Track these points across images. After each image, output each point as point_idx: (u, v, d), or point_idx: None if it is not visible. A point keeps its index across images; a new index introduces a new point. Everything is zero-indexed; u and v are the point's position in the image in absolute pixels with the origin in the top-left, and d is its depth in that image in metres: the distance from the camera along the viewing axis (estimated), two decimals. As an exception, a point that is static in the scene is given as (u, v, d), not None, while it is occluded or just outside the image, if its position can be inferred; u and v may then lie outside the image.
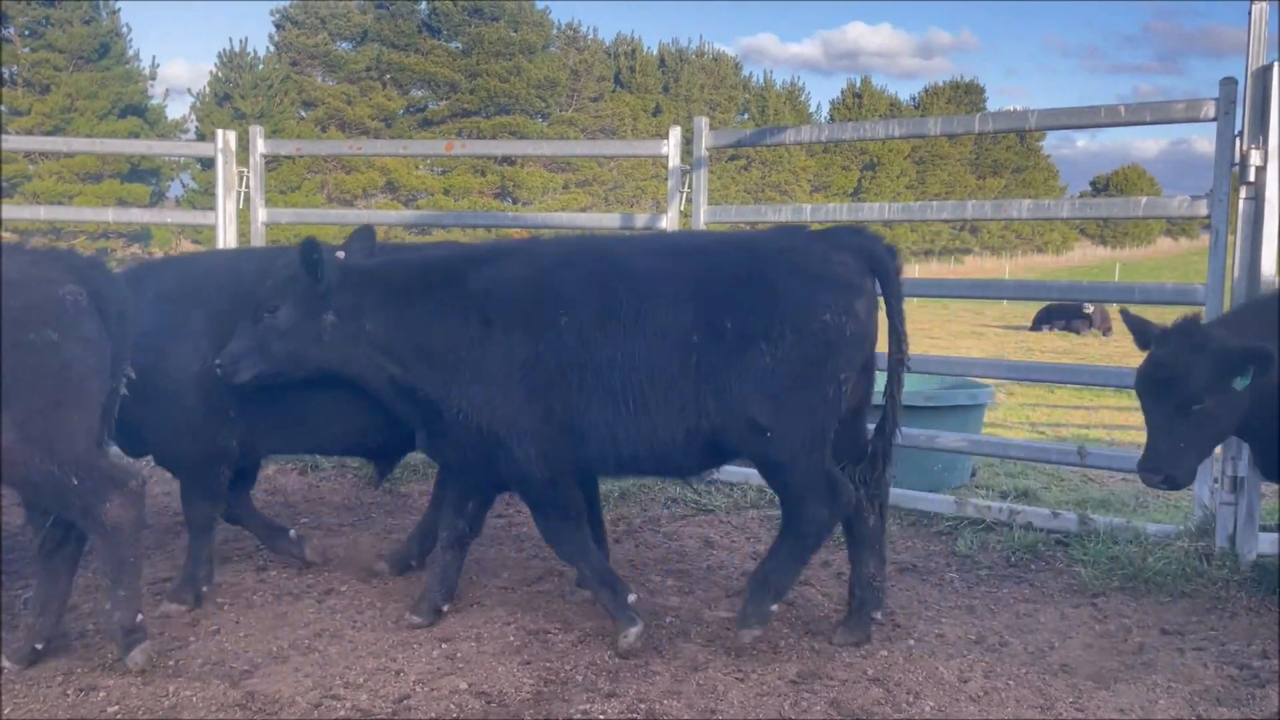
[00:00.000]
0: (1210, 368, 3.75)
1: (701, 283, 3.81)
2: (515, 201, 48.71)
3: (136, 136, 39.25)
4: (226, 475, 4.44)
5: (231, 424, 4.31)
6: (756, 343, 3.68)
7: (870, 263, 3.87)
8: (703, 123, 6.41)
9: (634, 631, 3.88)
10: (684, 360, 3.72)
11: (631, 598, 3.99)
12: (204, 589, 4.34)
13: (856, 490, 3.92)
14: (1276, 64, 4.67)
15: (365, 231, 4.38)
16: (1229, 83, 4.84)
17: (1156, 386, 3.89)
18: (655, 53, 58.89)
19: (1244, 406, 3.83)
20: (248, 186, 6.99)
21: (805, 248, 3.91)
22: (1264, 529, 4.85)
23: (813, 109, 63.80)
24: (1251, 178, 4.74)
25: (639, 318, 3.77)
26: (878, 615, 4.11)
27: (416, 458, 6.73)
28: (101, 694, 3.49)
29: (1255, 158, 4.72)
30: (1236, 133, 4.81)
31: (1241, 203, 4.80)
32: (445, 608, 4.20)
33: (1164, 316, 4.09)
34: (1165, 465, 3.85)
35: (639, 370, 3.74)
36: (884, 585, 4.20)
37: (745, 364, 3.69)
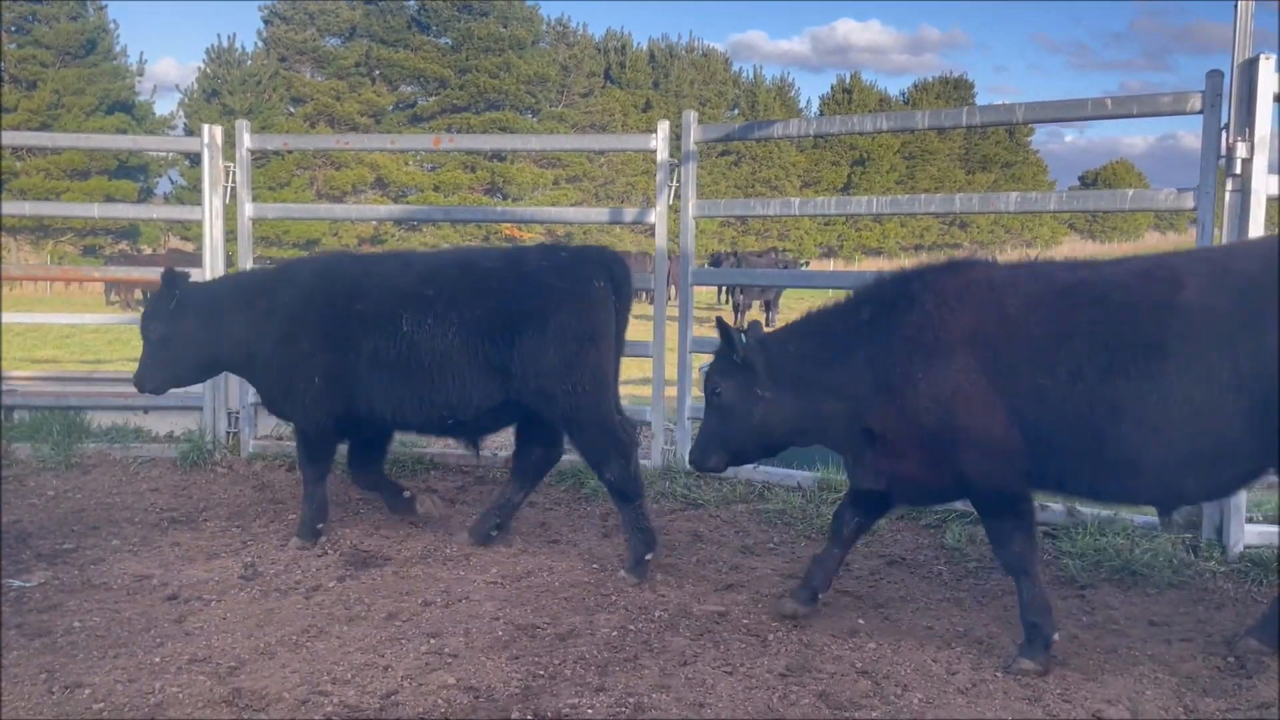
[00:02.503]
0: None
1: None
2: (505, 197, 48.65)
3: (124, 133, 39.05)
4: None
5: None
6: None
7: None
8: (691, 117, 6.40)
9: None
10: None
11: None
12: None
13: None
14: (1262, 57, 4.68)
15: None
16: (1215, 76, 4.84)
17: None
18: (645, 48, 58.85)
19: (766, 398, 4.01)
20: (234, 182, 6.95)
21: None
22: (1250, 521, 4.88)
23: (803, 104, 63.85)
24: (1238, 170, 4.75)
25: None
26: None
27: (404, 454, 6.74)
28: (87, 691, 3.47)
29: (1241, 150, 4.73)
30: (1223, 125, 4.82)
31: (1228, 195, 4.81)
32: None
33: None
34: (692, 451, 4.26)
35: None
36: None
37: None
